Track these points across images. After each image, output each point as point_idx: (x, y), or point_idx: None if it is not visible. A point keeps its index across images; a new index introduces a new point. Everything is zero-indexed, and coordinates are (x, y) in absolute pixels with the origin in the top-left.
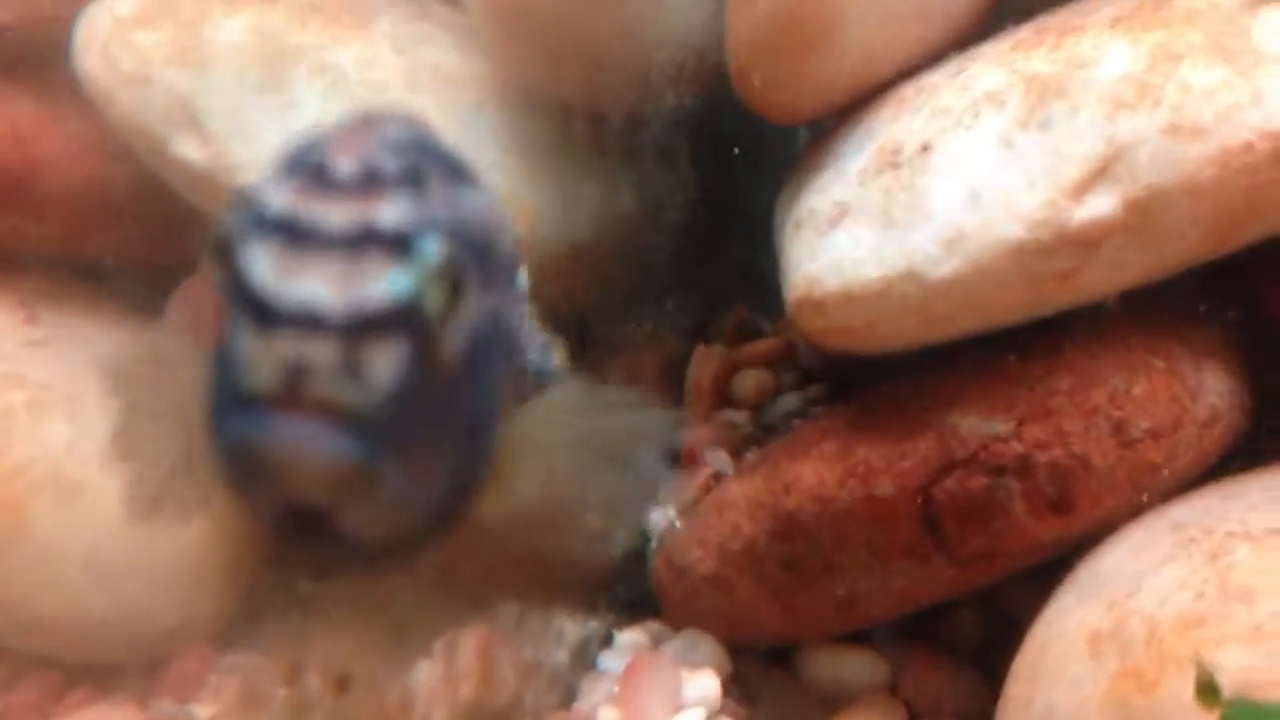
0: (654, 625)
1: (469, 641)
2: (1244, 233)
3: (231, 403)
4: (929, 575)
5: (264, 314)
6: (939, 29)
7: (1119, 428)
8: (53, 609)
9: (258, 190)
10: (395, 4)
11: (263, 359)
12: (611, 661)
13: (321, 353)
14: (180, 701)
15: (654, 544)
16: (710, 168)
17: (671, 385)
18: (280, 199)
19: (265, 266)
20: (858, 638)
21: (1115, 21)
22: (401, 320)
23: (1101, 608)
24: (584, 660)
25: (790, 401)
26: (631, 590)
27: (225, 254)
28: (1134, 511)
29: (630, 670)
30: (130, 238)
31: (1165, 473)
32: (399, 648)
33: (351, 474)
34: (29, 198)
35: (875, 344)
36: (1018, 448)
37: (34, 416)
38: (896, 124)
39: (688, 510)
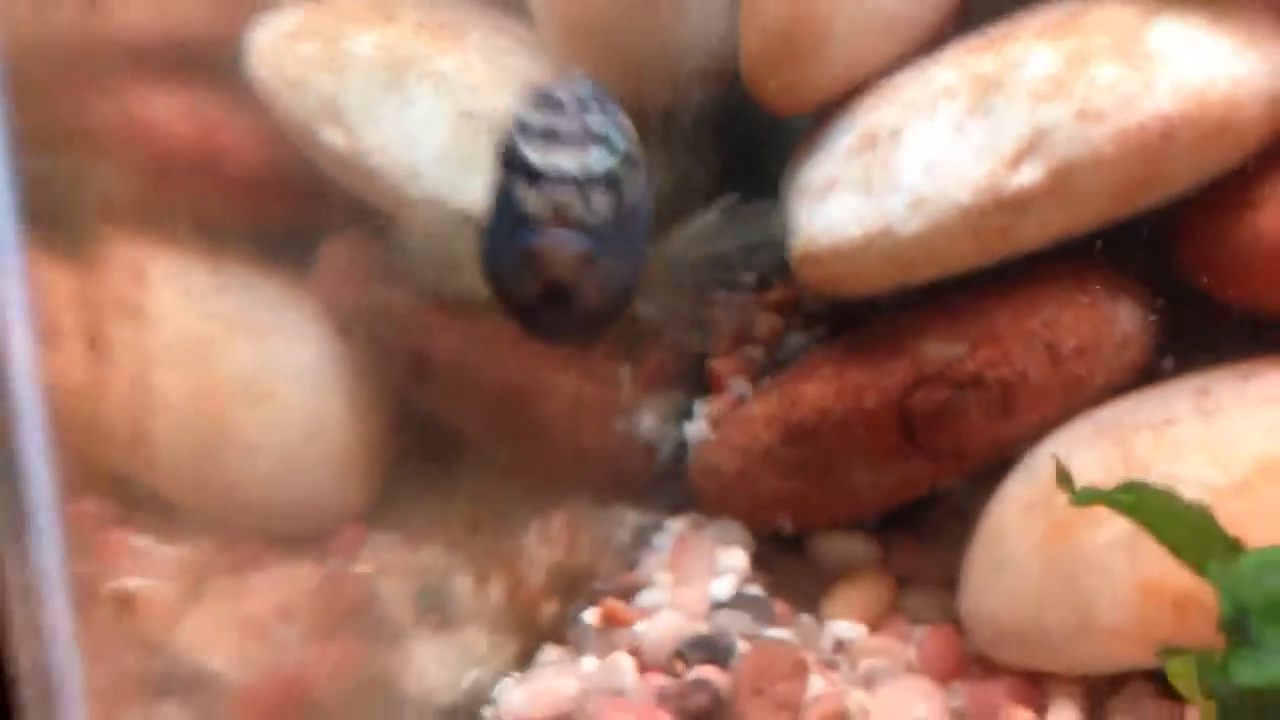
0: (694, 515)
1: (557, 519)
2: (1143, 197)
3: (514, 225)
4: (909, 470)
5: (534, 176)
6: (906, 41)
7: (1051, 348)
8: (252, 493)
9: (522, 114)
10: (482, 22)
11: (535, 199)
12: (663, 541)
13: (568, 194)
14: (345, 562)
15: (691, 451)
16: (729, 149)
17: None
18: (536, 117)
19: (532, 152)
20: (855, 525)
21: (1041, 31)
22: (606, 179)
23: (1035, 483)
24: (642, 540)
25: (797, 339)
26: (675, 488)
27: (508, 147)
28: (1065, 415)
29: (678, 546)
30: (287, 208)
31: (1089, 384)
32: (508, 519)
33: (585, 259)
34: (213, 177)
35: (860, 288)
36: (971, 366)
37: (227, 342)
38: (874, 114)
39: (717, 424)
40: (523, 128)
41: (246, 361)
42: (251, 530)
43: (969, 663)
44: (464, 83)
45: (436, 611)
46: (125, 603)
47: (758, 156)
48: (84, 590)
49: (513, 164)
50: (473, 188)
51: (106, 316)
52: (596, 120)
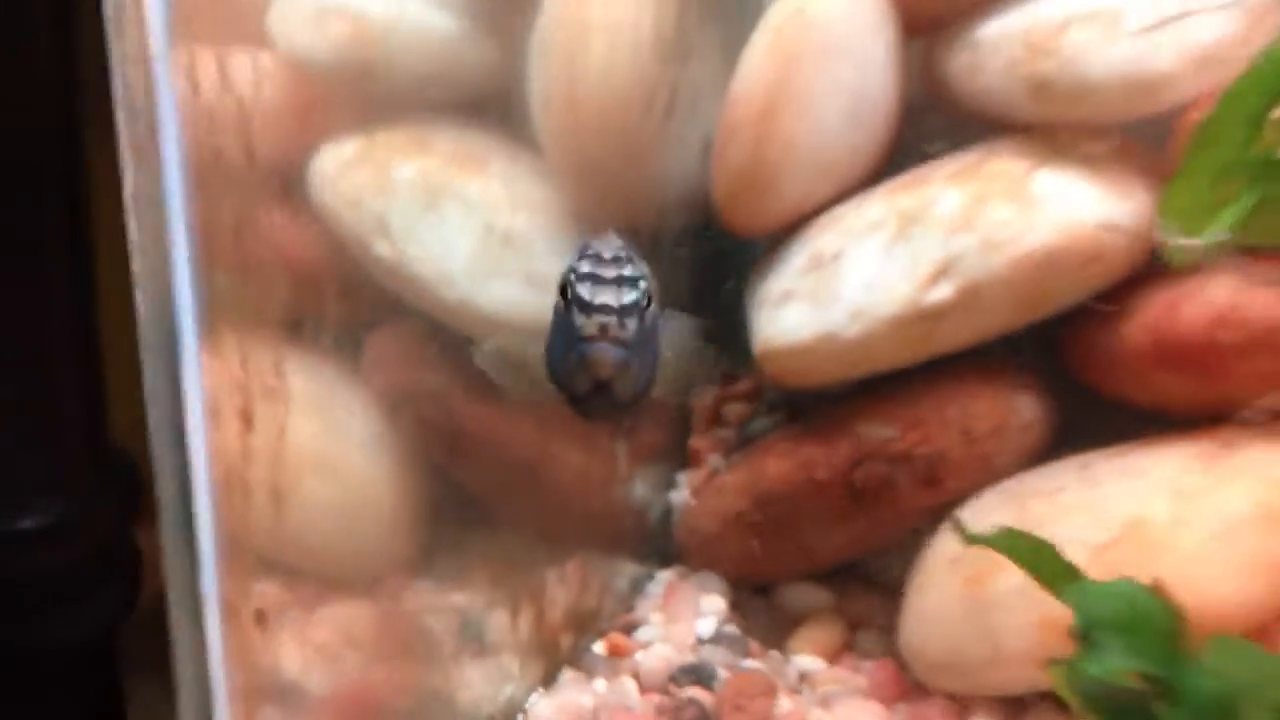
0: (680, 568)
1: (570, 568)
2: (1035, 311)
3: (573, 341)
4: (855, 531)
5: (587, 308)
6: (844, 181)
7: (965, 431)
8: (316, 543)
9: (577, 264)
10: (501, 153)
11: (587, 323)
12: (655, 588)
13: (610, 320)
14: (395, 601)
15: (676, 515)
16: (703, 265)
17: (680, 413)
18: (586, 266)
19: (584, 290)
20: (813, 576)
21: (950, 176)
22: (635, 309)
23: (956, 542)
24: (638, 588)
25: (761, 422)
26: (664, 545)
27: (567, 285)
28: (978, 486)
29: (668, 593)
30: (343, 306)
31: (997, 461)
32: (531, 568)
33: (622, 365)
34: (295, 281)
35: (811, 381)
36: (902, 446)
37: (303, 418)
38: (820, 239)
39: (697, 492)
40: (578, 274)
41: (318, 435)
42: (315, 574)
43: (909, 689)
44: (486, 204)
45: (477, 640)
46: (261, 621)
47: (726, 271)
48: (230, 611)
49: (571, 298)
50: (493, 291)
51: (254, 398)
52: (627, 269)
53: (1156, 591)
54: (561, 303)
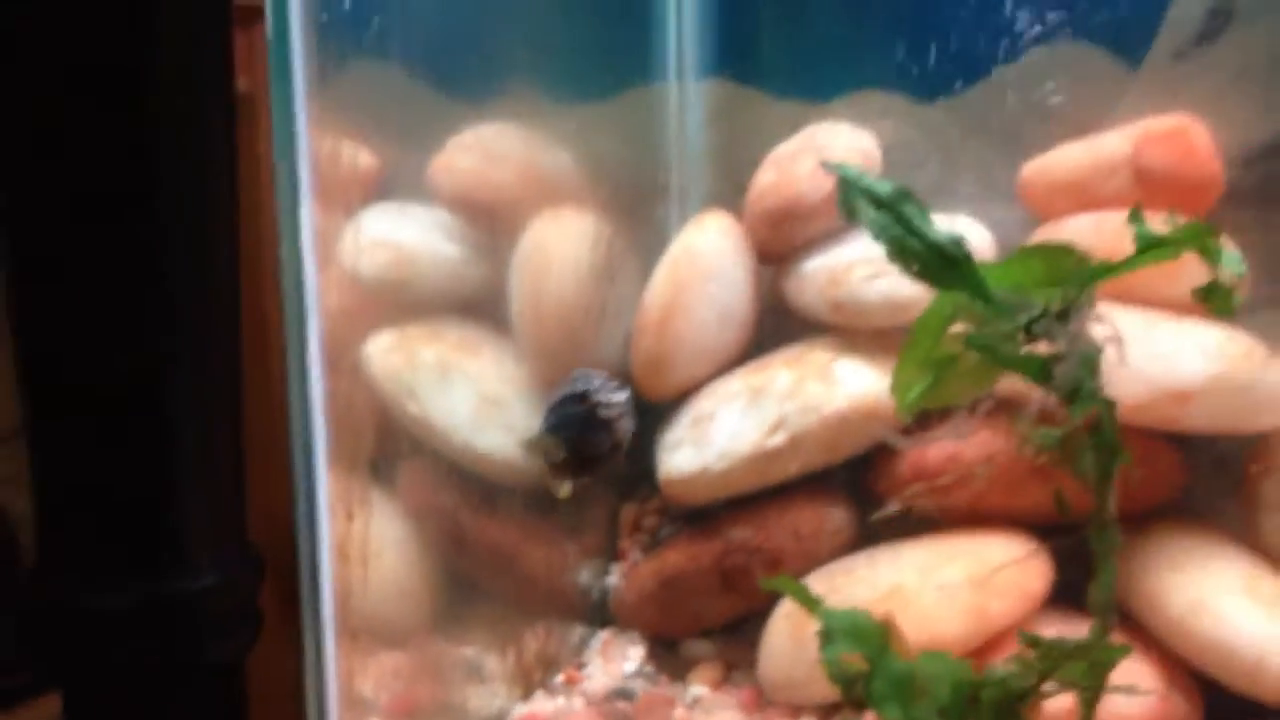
0: (613, 629)
1: (539, 627)
2: (840, 453)
3: (601, 421)
4: (728, 603)
5: (609, 404)
6: (718, 364)
7: (795, 532)
8: (367, 609)
9: (591, 389)
10: (491, 340)
11: (609, 409)
12: (596, 643)
13: (623, 407)
14: (421, 650)
15: (610, 593)
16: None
17: (612, 523)
18: (597, 384)
19: (604, 396)
20: (702, 634)
21: (784, 362)
22: (629, 404)
23: (788, 604)
24: (585, 642)
25: (667, 528)
26: (602, 614)
27: (586, 397)
28: (806, 570)
29: (604, 645)
30: (384, 445)
31: (817, 554)
32: (513, 626)
33: (628, 431)
34: (357, 432)
35: (696, 501)
36: (756, 542)
37: (358, 522)
38: (702, 403)
39: (624, 576)
40: (595, 390)
41: (368, 532)
42: (366, 631)
43: (764, 704)
44: (480, 377)
45: (477, 673)
46: (355, 640)
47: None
48: (344, 636)
49: (593, 401)
50: (485, 438)
51: (353, 503)
52: (615, 385)
53: (883, 620)
54: (580, 408)
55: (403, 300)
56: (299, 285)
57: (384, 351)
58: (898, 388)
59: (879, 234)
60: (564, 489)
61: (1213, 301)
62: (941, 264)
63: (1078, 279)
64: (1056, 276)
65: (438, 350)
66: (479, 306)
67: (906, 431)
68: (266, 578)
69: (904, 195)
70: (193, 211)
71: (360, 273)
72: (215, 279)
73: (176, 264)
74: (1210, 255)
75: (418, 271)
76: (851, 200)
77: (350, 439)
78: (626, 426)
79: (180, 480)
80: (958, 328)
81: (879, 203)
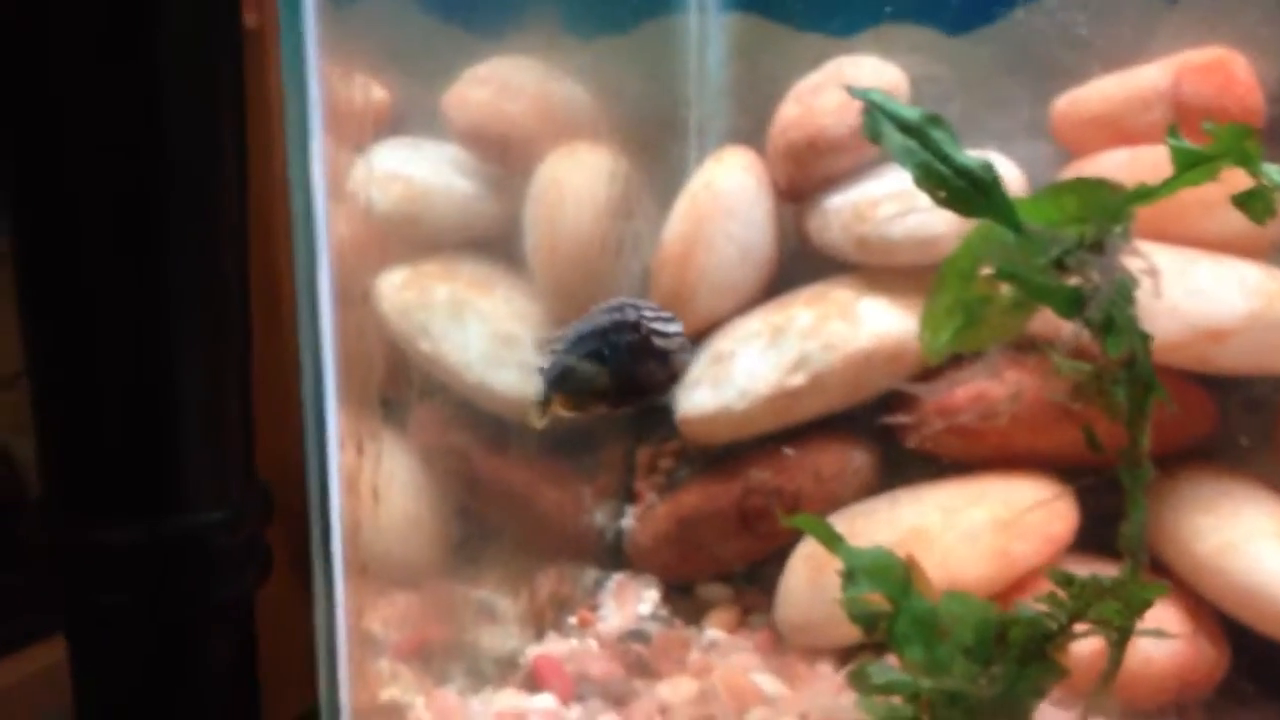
0: (628, 571)
1: (553, 569)
2: (862, 393)
3: (658, 352)
4: (746, 545)
5: (666, 334)
6: (739, 301)
7: (816, 474)
8: (379, 552)
9: (646, 319)
10: (505, 279)
11: (668, 341)
12: (610, 584)
13: (680, 340)
14: (435, 591)
15: (625, 535)
16: None
17: (627, 464)
18: (649, 313)
19: (659, 327)
20: (719, 577)
21: (805, 301)
22: (680, 350)
23: (810, 544)
24: (599, 584)
25: (684, 469)
26: (617, 557)
27: (644, 330)
28: (826, 511)
29: (619, 587)
30: (397, 387)
31: (838, 494)
32: (527, 568)
33: (683, 363)
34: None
35: (715, 441)
36: (775, 483)
37: (373, 466)
38: (720, 342)
39: (639, 519)
40: (649, 320)
41: (379, 467)
42: (379, 573)
43: (781, 646)
44: (494, 315)
45: (490, 613)
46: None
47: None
48: (351, 571)
49: (647, 330)
50: (499, 376)
51: (362, 437)
52: (668, 315)
53: (906, 561)
54: (633, 336)
55: (415, 236)
56: (310, 220)
57: (396, 288)
58: (926, 330)
59: (905, 159)
60: (540, 419)
61: (1252, 208)
62: (970, 190)
63: (1113, 207)
64: (1090, 212)
65: (451, 287)
66: (493, 243)
67: (929, 375)
68: (276, 520)
69: (932, 120)
70: (200, 144)
71: (372, 208)
72: (222, 213)
73: (182, 198)
74: (1249, 160)
75: (430, 206)
76: (878, 125)
77: (361, 374)
78: (685, 360)
79: (184, 417)
80: (988, 270)
81: (906, 128)
